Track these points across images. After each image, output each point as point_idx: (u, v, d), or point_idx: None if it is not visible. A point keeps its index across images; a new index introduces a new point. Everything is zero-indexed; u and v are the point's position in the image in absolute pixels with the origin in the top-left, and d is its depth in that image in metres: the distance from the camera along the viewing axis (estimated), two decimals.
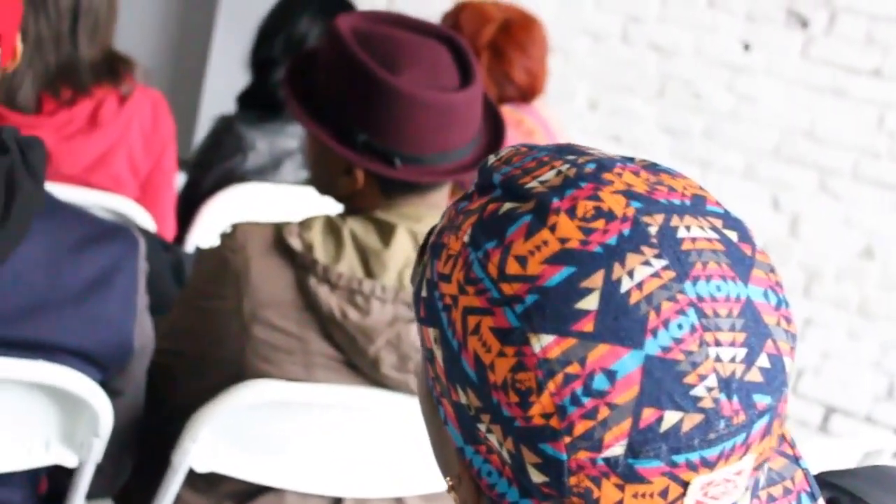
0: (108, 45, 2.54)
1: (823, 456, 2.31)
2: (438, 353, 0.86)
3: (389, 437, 1.87)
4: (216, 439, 1.79)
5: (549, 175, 0.86)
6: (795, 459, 0.94)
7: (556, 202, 0.83)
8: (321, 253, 1.77)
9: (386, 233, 1.79)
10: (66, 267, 1.62)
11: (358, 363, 1.78)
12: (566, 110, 4.37)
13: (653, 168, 0.88)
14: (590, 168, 0.86)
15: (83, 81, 2.46)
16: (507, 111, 3.03)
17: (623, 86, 4.45)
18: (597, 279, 0.80)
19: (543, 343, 0.80)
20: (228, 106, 3.12)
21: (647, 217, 0.82)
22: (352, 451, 1.87)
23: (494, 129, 1.93)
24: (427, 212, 1.83)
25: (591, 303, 0.80)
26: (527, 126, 3.13)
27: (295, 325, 1.77)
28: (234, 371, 1.80)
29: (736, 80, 4.30)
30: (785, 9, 4.20)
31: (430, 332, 0.87)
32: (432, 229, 0.92)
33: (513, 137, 2.84)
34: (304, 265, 1.77)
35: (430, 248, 0.90)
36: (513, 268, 0.82)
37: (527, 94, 3.14)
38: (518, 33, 3.10)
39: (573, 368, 0.79)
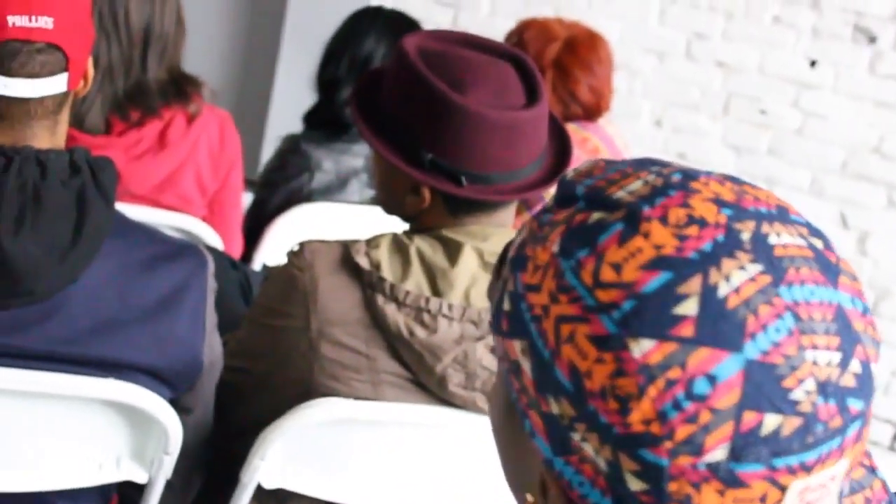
0: (177, 65, 2.58)
1: (893, 475, 2.28)
2: (526, 365, 0.86)
3: (456, 455, 1.86)
4: (284, 457, 1.80)
5: (635, 185, 0.86)
6: (872, 470, 0.94)
7: (647, 210, 0.84)
8: (388, 271, 1.78)
9: (453, 251, 1.79)
10: (137, 285, 1.64)
11: (425, 381, 1.79)
12: (631, 128, 4.36)
13: (734, 179, 0.88)
14: (676, 178, 0.86)
15: (152, 103, 2.49)
16: (572, 129, 3.03)
17: (688, 103, 4.43)
18: (694, 284, 0.80)
19: (644, 348, 0.80)
20: (294, 126, 3.14)
21: (739, 224, 0.83)
22: (418, 468, 1.87)
23: (561, 147, 1.93)
24: (494, 230, 1.83)
25: (689, 307, 0.80)
26: (592, 144, 3.13)
27: (362, 343, 1.78)
28: (303, 389, 1.80)
29: (802, 96, 4.27)
30: (852, 24, 4.17)
31: (516, 344, 0.87)
32: (509, 244, 0.93)
33: (578, 156, 2.83)
34: (371, 283, 1.77)
35: (510, 262, 0.90)
36: (608, 275, 0.82)
37: (592, 112, 3.14)
38: (583, 51, 3.09)
39: (674, 373, 0.79)
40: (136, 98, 2.48)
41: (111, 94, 2.46)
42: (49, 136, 1.61)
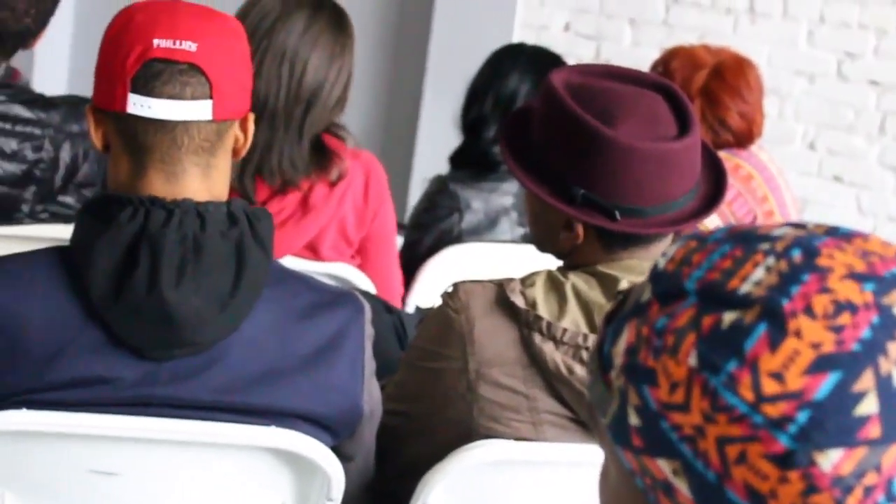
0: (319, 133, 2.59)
1: None
2: (682, 486, 0.80)
3: None
4: (446, 499, 1.79)
5: (758, 274, 0.80)
6: None
7: (787, 304, 0.78)
8: (544, 309, 1.76)
9: (609, 287, 1.77)
10: (296, 334, 1.65)
11: (586, 420, 1.76)
12: (784, 152, 4.27)
13: (844, 236, 0.83)
14: (797, 256, 0.80)
15: (294, 177, 2.51)
16: (724, 157, 2.97)
17: (842, 124, 4.33)
18: (867, 379, 0.75)
19: (833, 460, 0.75)
20: (440, 167, 3.15)
21: (886, 298, 0.78)
22: None
23: (715, 176, 1.89)
24: (650, 264, 1.79)
25: (870, 406, 0.75)
26: (745, 171, 3.07)
27: (521, 382, 1.76)
28: (462, 431, 1.79)
29: None
30: None
31: (663, 464, 0.81)
32: (601, 346, 0.87)
33: (731, 184, 2.78)
34: (527, 322, 1.76)
35: (626, 372, 0.83)
36: (771, 387, 0.76)
37: (743, 139, 3.09)
38: (731, 78, 3.04)
39: (870, 479, 0.75)
40: (284, 165, 2.50)
41: (265, 144, 2.48)
42: (204, 181, 1.63)
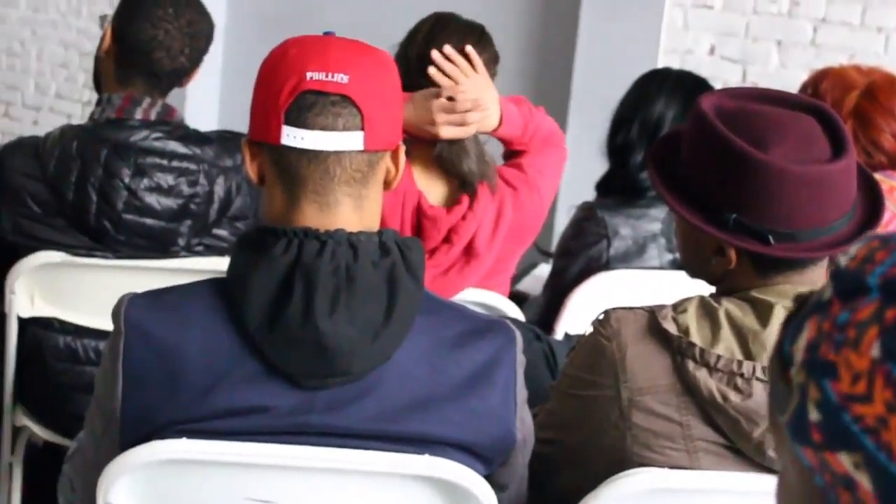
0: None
1: None
2: (863, 480, 0.80)
3: None
4: None
5: None
6: None
7: None
8: (697, 336, 1.74)
9: (763, 312, 1.74)
10: (448, 362, 1.66)
11: (742, 447, 1.73)
12: None
13: None
14: None
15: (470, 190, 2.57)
16: (878, 180, 2.91)
17: None
18: None
19: None
20: (585, 194, 3.14)
21: None
22: None
23: (871, 198, 1.85)
24: (805, 290, 1.76)
25: None
26: None
27: (675, 410, 1.75)
28: (616, 459, 1.78)
29: None
30: None
31: (843, 457, 0.81)
32: (781, 345, 0.87)
33: (886, 206, 2.72)
34: (680, 349, 1.74)
35: (807, 367, 0.84)
36: None
37: None
38: (884, 98, 2.97)
39: None
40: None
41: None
42: (356, 211, 1.65)
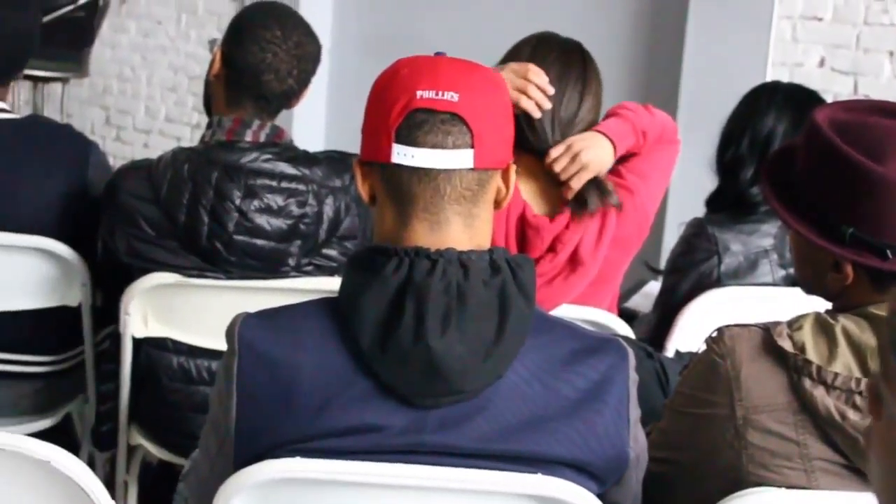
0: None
1: None
2: None
3: None
4: None
5: None
6: None
7: None
8: (814, 353, 1.71)
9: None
10: (560, 381, 1.64)
11: (861, 467, 1.70)
12: None
13: None
14: None
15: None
16: None
17: None
18: None
19: None
20: (694, 210, 3.11)
21: None
22: None
23: None
24: None
25: None
26: None
27: (791, 429, 1.72)
28: (731, 479, 1.75)
29: None
30: None
31: None
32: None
33: None
34: (796, 367, 1.71)
35: None
36: None
37: None
38: None
39: None
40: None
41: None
42: (467, 230, 1.65)
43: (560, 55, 2.62)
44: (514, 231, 2.56)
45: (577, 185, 2.54)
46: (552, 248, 2.56)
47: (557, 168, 2.53)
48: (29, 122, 2.89)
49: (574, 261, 2.57)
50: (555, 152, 2.54)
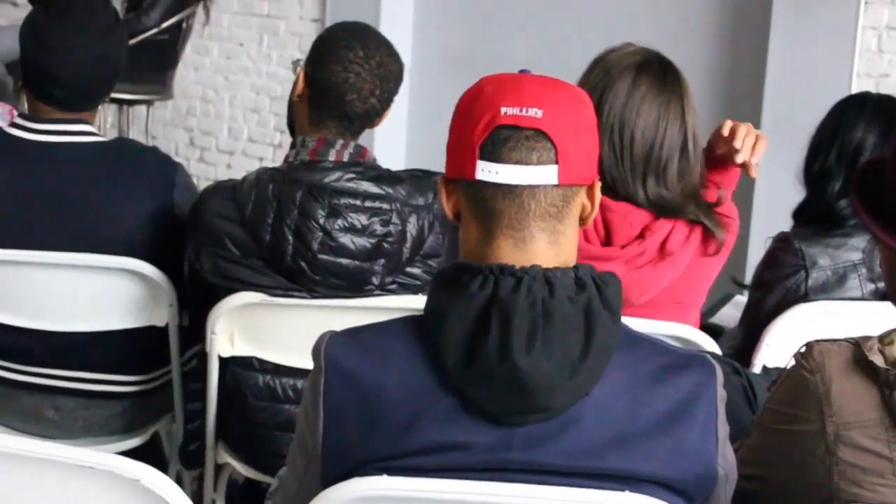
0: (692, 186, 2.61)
1: None
2: None
3: None
4: None
5: None
6: None
7: None
8: None
9: None
10: (647, 397, 1.63)
11: None
12: None
13: None
14: None
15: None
16: None
17: None
18: None
19: None
20: (780, 224, 3.08)
21: None
22: None
23: None
24: None
25: None
26: None
27: (885, 445, 1.69)
28: (822, 496, 1.73)
29: None
30: None
31: None
32: None
33: None
34: (888, 382, 1.68)
35: None
36: None
37: None
38: None
39: None
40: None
41: None
42: (552, 247, 1.65)
43: (633, 77, 2.59)
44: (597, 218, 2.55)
45: (757, 159, 2.66)
46: (641, 235, 2.55)
47: (745, 143, 2.67)
48: (116, 145, 2.94)
49: (663, 251, 2.56)
50: (740, 132, 2.69)
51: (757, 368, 2.75)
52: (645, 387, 1.64)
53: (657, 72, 2.61)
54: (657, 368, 1.66)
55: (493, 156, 1.62)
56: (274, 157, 6.69)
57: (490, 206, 1.64)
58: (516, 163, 1.61)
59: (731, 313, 3.41)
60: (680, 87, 2.62)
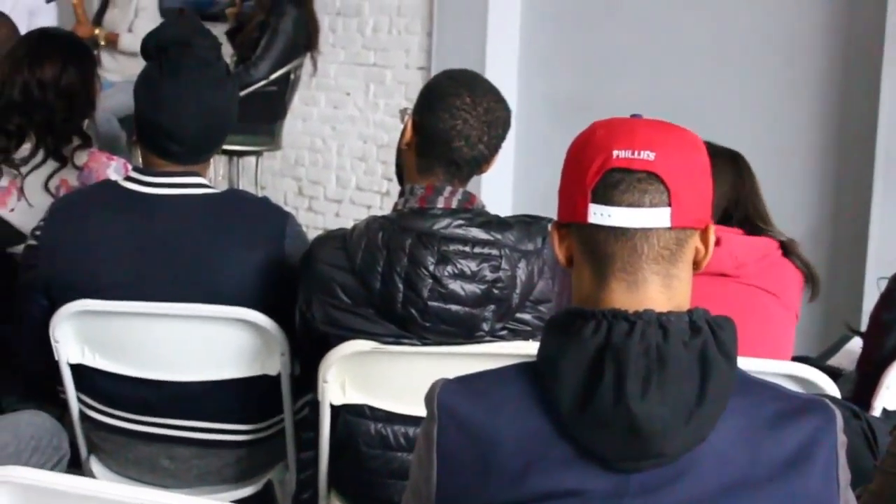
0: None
1: None
2: None
3: None
4: None
5: None
6: None
7: None
8: None
9: None
10: (765, 443, 1.60)
11: None
12: None
13: None
14: None
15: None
16: None
17: None
18: None
19: None
20: (892, 266, 3.03)
21: None
22: None
23: None
24: None
25: None
26: None
27: None
28: None
29: None
30: None
31: None
32: None
33: None
34: None
35: None
36: None
37: None
38: None
39: None
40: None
41: None
42: (665, 291, 1.63)
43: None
44: None
45: None
46: (717, 242, 2.57)
47: None
48: (228, 197, 2.98)
49: (738, 265, 2.65)
50: None
51: (877, 412, 2.69)
52: (763, 433, 1.61)
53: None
54: (775, 414, 1.62)
55: (605, 199, 1.61)
56: (382, 205, 6.73)
57: (602, 250, 1.63)
58: (629, 205, 1.61)
59: (848, 355, 3.34)
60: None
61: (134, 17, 6.92)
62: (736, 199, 2.87)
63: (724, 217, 2.84)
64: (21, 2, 7.54)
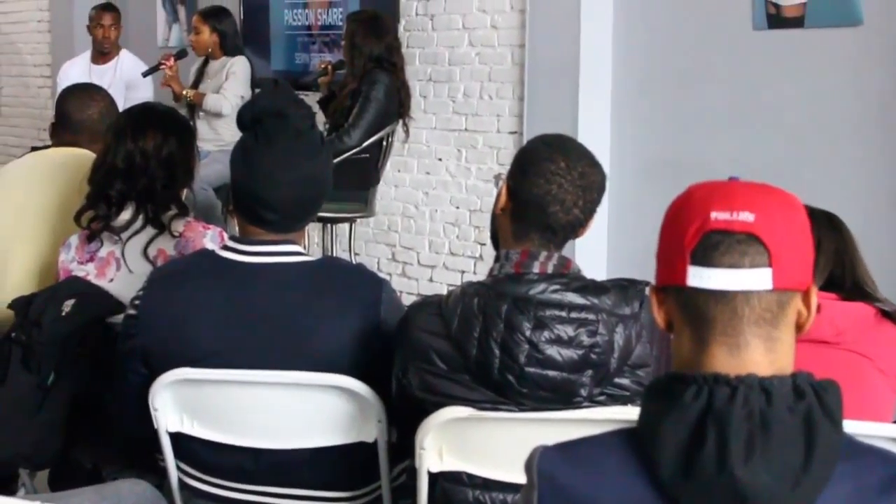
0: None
1: None
2: None
3: None
4: None
5: None
6: None
7: None
8: None
9: None
10: None
11: None
12: None
13: None
14: None
15: None
16: None
17: None
18: None
19: None
20: None
21: None
22: None
23: None
24: None
25: None
26: None
27: None
28: None
29: None
30: None
31: None
32: None
33: None
34: None
35: None
36: None
37: None
38: None
39: None
40: None
41: None
42: (767, 354, 1.61)
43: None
44: None
45: None
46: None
47: None
48: (324, 265, 3.00)
49: (838, 332, 2.65)
50: None
51: None
52: (871, 499, 1.58)
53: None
54: (884, 479, 1.59)
55: (704, 261, 1.60)
56: (475, 270, 6.74)
57: (702, 313, 1.62)
58: (729, 267, 1.59)
59: None
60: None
61: (224, 80, 7.04)
62: (842, 263, 2.83)
63: (831, 281, 2.80)
64: (119, 76, 7.71)
